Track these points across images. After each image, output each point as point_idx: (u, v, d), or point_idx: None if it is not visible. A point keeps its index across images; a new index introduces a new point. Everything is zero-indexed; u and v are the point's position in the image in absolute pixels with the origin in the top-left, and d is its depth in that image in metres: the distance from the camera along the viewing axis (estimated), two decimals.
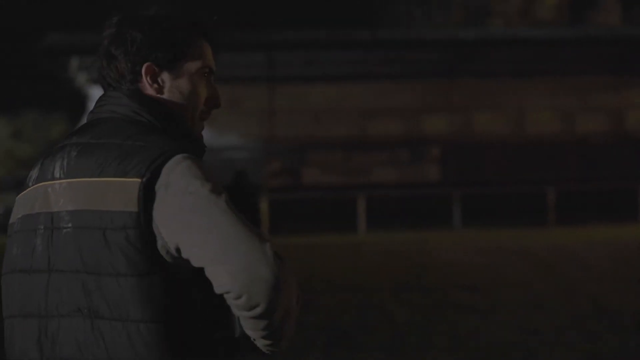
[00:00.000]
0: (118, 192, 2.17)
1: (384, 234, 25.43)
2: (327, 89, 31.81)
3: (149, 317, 2.14)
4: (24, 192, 2.37)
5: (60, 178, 2.28)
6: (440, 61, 32.12)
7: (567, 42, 31.41)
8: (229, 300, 2.14)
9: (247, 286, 2.09)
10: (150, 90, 2.37)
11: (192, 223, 2.13)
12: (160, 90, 2.38)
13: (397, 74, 32.05)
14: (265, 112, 31.31)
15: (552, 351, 9.36)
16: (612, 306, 12.02)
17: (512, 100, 31.73)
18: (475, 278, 15.15)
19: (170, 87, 2.38)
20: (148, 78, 2.36)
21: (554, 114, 31.79)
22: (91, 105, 4.09)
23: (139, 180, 2.16)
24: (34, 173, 2.36)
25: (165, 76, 2.38)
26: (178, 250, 2.15)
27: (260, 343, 2.21)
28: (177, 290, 2.17)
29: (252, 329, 2.17)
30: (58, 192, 2.27)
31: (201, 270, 2.15)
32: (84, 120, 2.46)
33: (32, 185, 2.34)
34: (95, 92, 25.82)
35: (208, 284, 2.16)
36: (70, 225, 2.22)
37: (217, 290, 2.13)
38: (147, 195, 2.15)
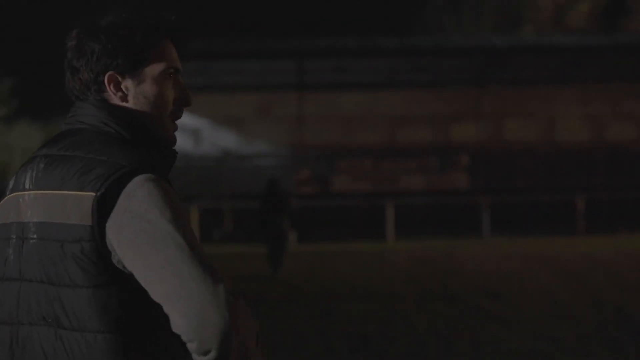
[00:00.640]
0: (75, 205, 2.20)
1: (413, 242, 25.38)
2: (356, 96, 31.82)
3: (105, 327, 2.18)
4: (2, 201, 2.41)
5: (29, 189, 2.32)
6: (471, 68, 32.04)
7: (599, 50, 31.23)
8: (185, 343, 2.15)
9: (198, 331, 2.09)
10: (115, 99, 2.39)
11: (149, 257, 2.14)
12: (125, 97, 2.39)
13: (426, 81, 32.01)
14: (294, 119, 31.37)
15: None
16: (637, 316, 11.94)
17: (542, 108, 31.58)
18: (500, 286, 15.10)
19: (135, 94, 2.39)
20: (111, 87, 2.38)
21: (585, 121, 31.61)
22: None
23: (93, 194, 2.18)
24: (10, 183, 2.40)
25: (128, 83, 2.39)
26: (132, 273, 2.17)
27: None
28: (133, 301, 2.19)
29: None
30: (27, 203, 2.31)
31: None
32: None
33: (8, 194, 2.39)
34: None
35: None
36: (35, 236, 2.27)
37: (173, 329, 2.14)
38: (101, 210, 2.17)
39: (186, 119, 30.82)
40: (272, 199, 17.95)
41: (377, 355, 9.77)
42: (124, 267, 2.18)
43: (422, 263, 19.61)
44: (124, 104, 2.39)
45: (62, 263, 2.21)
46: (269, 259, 17.83)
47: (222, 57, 30.35)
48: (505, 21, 47.95)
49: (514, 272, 17.43)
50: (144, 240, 2.14)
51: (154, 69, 2.40)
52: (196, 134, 31.19)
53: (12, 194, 2.37)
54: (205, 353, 2.11)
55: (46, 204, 2.26)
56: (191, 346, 2.13)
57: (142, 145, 2.34)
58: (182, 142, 31.05)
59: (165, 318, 2.18)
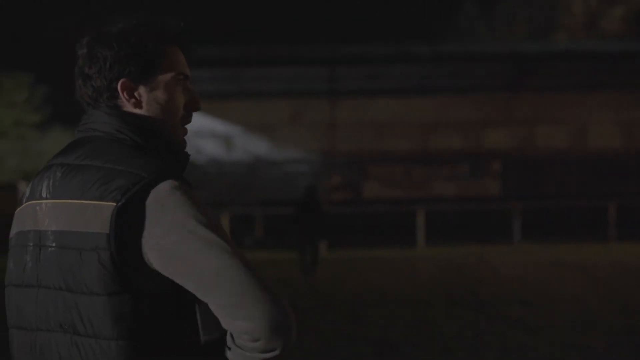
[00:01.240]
0: (94, 214, 2.25)
1: (443, 248, 25.35)
2: (388, 102, 31.83)
3: (118, 334, 2.23)
4: (19, 208, 2.46)
5: (46, 198, 2.37)
6: (503, 75, 31.95)
7: (631, 55, 31.06)
8: (239, 340, 2.21)
9: (267, 333, 2.17)
10: (128, 106, 2.42)
11: (200, 266, 2.19)
12: (138, 104, 2.42)
13: (458, 87, 31.97)
14: (326, 126, 31.42)
15: None
16: None
17: (574, 114, 31.44)
18: (530, 293, 15.07)
19: (148, 100, 2.42)
20: (125, 94, 2.41)
21: (616, 127, 31.44)
22: None
23: (114, 204, 2.23)
24: (27, 191, 2.45)
25: (141, 90, 2.42)
26: (146, 282, 2.24)
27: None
28: (147, 309, 2.24)
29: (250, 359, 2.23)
30: (44, 211, 2.36)
31: (171, 288, 2.25)
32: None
33: (25, 202, 2.44)
34: None
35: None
36: (54, 244, 2.32)
37: (227, 327, 2.21)
38: (120, 220, 2.22)
39: (218, 126, 30.98)
40: (309, 206, 18.22)
41: None
42: (146, 276, 2.23)
43: (452, 270, 19.60)
44: (137, 110, 2.43)
45: (80, 271, 2.26)
46: (302, 264, 18.06)
47: (254, 64, 30.46)
48: (537, 27, 47.77)
49: (544, 279, 17.38)
50: (189, 248, 2.20)
51: (166, 75, 2.44)
52: (228, 140, 31.33)
53: (29, 202, 2.41)
54: (268, 351, 2.20)
55: (65, 212, 2.31)
56: (255, 345, 2.19)
57: (155, 150, 2.38)
58: (214, 149, 31.21)
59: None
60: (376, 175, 31.36)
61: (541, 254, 22.98)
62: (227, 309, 2.18)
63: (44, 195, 2.38)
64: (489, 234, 27.63)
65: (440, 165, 31.26)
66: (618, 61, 30.99)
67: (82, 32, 2.47)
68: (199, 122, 30.21)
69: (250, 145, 31.38)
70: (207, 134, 30.84)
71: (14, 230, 2.47)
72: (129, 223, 2.23)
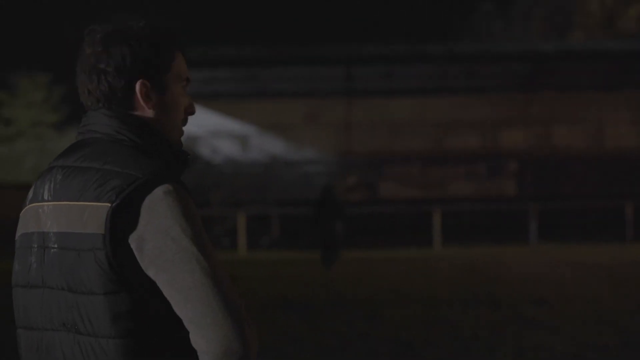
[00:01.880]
0: (91, 215, 2.29)
1: (460, 249, 25.35)
2: (404, 102, 31.84)
3: (116, 333, 2.27)
4: (23, 210, 2.51)
5: (48, 200, 2.41)
6: (519, 74, 31.93)
7: None
8: (199, 355, 2.26)
9: (219, 357, 2.22)
10: (141, 106, 2.44)
11: (175, 276, 2.24)
12: (150, 104, 2.44)
13: (475, 87, 31.96)
14: (342, 125, 31.45)
15: None
16: None
17: (591, 114, 31.37)
18: (546, 293, 15.06)
19: (158, 101, 2.46)
20: (141, 94, 2.44)
21: (634, 127, 31.35)
22: None
23: (109, 205, 2.27)
24: (30, 193, 2.49)
25: (153, 91, 2.45)
26: (142, 282, 2.28)
27: None
28: (144, 308, 2.28)
29: None
30: (46, 213, 2.40)
31: None
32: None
33: (28, 204, 2.49)
34: None
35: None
36: (56, 245, 2.36)
37: (194, 346, 2.26)
38: (114, 220, 2.27)
39: (235, 126, 31.06)
40: (327, 206, 18.50)
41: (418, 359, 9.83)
42: (142, 275, 2.28)
43: (468, 269, 19.60)
44: (147, 111, 2.45)
45: (79, 271, 2.30)
46: (324, 263, 18.54)
47: (271, 64, 30.53)
48: (554, 27, 47.67)
49: (560, 279, 17.37)
50: (168, 258, 2.25)
51: (175, 78, 2.49)
52: (244, 140, 31.39)
53: (32, 205, 2.46)
54: None
55: (65, 214, 2.35)
56: None
57: (155, 151, 2.42)
58: (231, 149, 31.28)
59: (177, 325, 2.28)
60: (392, 175, 31.37)
61: (557, 255, 22.94)
62: (190, 325, 2.24)
63: (45, 197, 2.42)
64: (505, 234, 27.60)
65: (456, 165, 31.25)
66: (635, 61, 30.91)
67: (89, 30, 2.47)
68: (215, 121, 30.28)
69: (267, 145, 31.44)
70: (223, 134, 30.91)
71: (19, 232, 2.51)
72: (123, 223, 2.27)
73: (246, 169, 31.21)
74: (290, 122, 31.58)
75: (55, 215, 2.38)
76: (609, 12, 45.82)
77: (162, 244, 2.25)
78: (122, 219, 2.27)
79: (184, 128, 2.59)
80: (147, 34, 2.45)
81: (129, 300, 2.27)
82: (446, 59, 30.70)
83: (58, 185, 2.40)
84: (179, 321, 2.29)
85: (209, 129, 30.00)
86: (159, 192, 2.28)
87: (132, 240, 2.27)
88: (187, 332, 2.28)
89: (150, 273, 2.27)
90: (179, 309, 2.25)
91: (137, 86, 2.43)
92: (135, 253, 2.27)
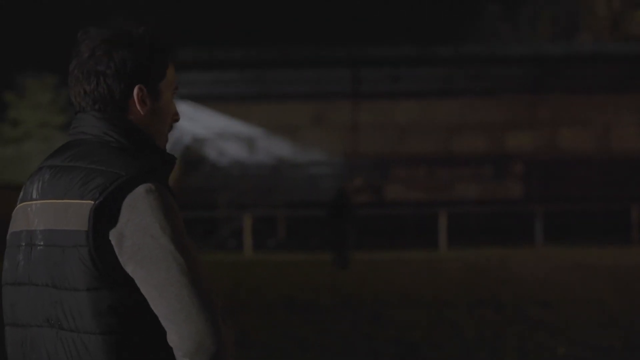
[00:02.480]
0: (75, 213, 2.35)
1: (465, 250, 25.36)
2: (411, 104, 31.88)
3: (97, 329, 2.32)
4: (15, 210, 2.57)
5: (36, 199, 2.47)
6: (526, 77, 31.93)
7: None
8: (174, 351, 2.30)
9: (192, 353, 2.26)
10: (136, 111, 2.49)
11: (151, 273, 2.29)
12: (145, 109, 2.50)
13: (481, 89, 31.97)
14: (349, 127, 31.49)
15: None
16: None
17: (598, 116, 31.37)
18: (551, 295, 15.08)
19: (152, 107, 2.51)
20: (138, 98, 2.49)
21: None
22: None
23: (92, 202, 2.32)
24: (21, 193, 2.55)
25: (149, 96, 2.50)
26: (126, 278, 2.32)
27: None
28: (126, 304, 2.33)
29: None
30: (34, 211, 2.46)
31: None
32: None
33: (19, 204, 2.55)
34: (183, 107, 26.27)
35: None
36: (42, 243, 2.42)
37: (169, 342, 2.30)
38: (97, 217, 2.32)
39: (241, 128, 31.12)
40: (340, 208, 18.88)
41: None
42: (123, 272, 2.32)
43: (473, 271, 19.62)
44: (141, 115, 2.50)
45: (63, 267, 2.35)
46: (336, 263, 19.14)
47: (278, 66, 30.58)
48: (561, 29, 47.65)
49: (565, 281, 17.38)
50: (146, 255, 2.30)
51: (167, 85, 2.55)
52: (251, 142, 31.44)
53: (22, 204, 2.52)
54: None
55: (51, 212, 2.41)
56: None
57: (142, 153, 2.46)
58: (237, 151, 31.33)
59: (159, 322, 2.32)
60: (399, 177, 31.40)
61: (563, 257, 22.95)
62: (165, 321, 2.28)
63: (34, 196, 2.48)
64: (511, 236, 27.61)
65: (462, 167, 31.27)
66: None
67: (85, 32, 2.52)
68: (223, 123, 30.35)
69: (273, 147, 31.48)
70: (230, 136, 30.96)
71: (9, 231, 2.57)
72: (105, 220, 2.32)
73: (253, 171, 31.25)
74: (297, 124, 31.63)
75: (42, 213, 2.43)
76: (616, 15, 45.80)
77: (140, 241, 2.30)
78: (105, 216, 2.32)
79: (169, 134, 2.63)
80: (147, 39, 2.50)
81: (111, 297, 2.31)
82: (453, 61, 30.72)
83: (46, 184, 2.45)
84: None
85: (216, 130, 30.07)
86: (140, 190, 2.33)
87: (113, 237, 2.31)
88: None
89: (129, 269, 2.31)
90: (154, 305, 2.29)
91: (135, 90, 2.48)
92: (115, 249, 2.31)
